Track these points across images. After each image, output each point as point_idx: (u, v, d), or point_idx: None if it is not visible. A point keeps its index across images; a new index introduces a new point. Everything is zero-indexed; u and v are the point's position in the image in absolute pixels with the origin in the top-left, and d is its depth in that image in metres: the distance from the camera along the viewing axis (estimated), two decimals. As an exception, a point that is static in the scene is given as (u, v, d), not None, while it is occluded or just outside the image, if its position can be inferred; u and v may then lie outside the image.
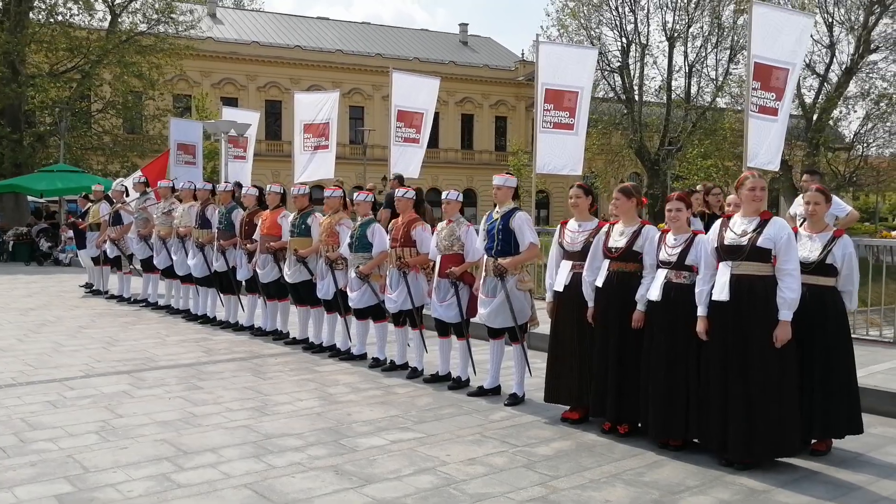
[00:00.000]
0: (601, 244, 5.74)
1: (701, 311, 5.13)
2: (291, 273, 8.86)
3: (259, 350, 8.84)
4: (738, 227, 5.04)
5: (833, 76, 42.85)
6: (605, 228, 5.82)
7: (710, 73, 45.54)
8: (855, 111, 43.33)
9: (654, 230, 5.60)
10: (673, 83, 45.54)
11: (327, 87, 47.54)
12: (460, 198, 7.30)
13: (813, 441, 5.27)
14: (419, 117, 14.97)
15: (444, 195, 7.26)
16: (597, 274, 5.73)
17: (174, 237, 11.20)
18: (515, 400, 6.52)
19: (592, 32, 45.18)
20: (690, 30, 44.48)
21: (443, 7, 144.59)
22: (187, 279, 11.21)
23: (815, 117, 42.32)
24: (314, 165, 16.31)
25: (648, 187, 46.66)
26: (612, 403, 5.57)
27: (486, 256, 6.68)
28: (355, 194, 8.21)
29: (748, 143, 9.94)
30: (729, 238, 5.04)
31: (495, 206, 6.75)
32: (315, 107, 16.72)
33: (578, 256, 5.91)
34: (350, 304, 8.09)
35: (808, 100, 42.90)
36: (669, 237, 5.39)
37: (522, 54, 57.04)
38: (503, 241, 6.52)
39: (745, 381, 4.94)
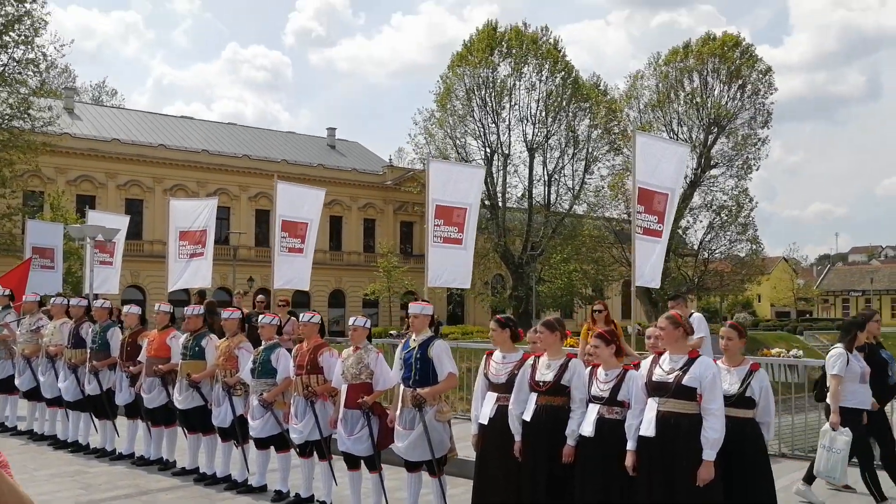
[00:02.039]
0: (527, 377, 5.75)
1: (630, 445, 5.20)
2: (183, 398, 8.32)
3: (146, 484, 8.14)
4: (667, 365, 5.19)
5: (679, 189, 46.46)
6: (530, 361, 5.85)
7: (568, 182, 48.17)
8: (700, 221, 46.73)
9: (581, 364, 5.68)
10: (534, 191, 47.77)
11: (191, 186, 46.60)
12: (368, 324, 7.15)
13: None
14: (304, 227, 14.76)
15: (350, 321, 7.11)
16: (524, 407, 5.71)
17: (42, 356, 10.33)
18: (436, 536, 6.29)
19: (458, 142, 47.03)
20: (549, 141, 47.12)
21: (307, 109, 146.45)
22: (54, 402, 10.32)
23: (664, 225, 45.28)
24: (189, 273, 15.70)
25: (513, 289, 48.06)
26: (544, 541, 5.47)
27: (402, 387, 6.53)
28: (260, 318, 7.89)
29: (635, 263, 10.43)
30: (657, 375, 5.17)
31: (411, 334, 6.66)
32: (192, 214, 16.18)
33: (503, 388, 5.88)
34: (252, 434, 7.65)
35: (658, 209, 46.02)
36: (601, 372, 5.47)
37: (390, 159, 58.32)
38: (421, 371, 6.40)
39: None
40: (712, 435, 4.97)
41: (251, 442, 7.91)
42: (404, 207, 55.49)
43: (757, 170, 47.20)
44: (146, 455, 9.07)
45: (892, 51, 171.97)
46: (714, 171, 46.98)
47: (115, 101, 63.24)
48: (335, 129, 59.83)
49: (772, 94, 47.17)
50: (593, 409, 5.38)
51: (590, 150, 47.63)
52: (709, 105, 46.19)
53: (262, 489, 7.76)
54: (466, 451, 6.83)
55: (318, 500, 7.23)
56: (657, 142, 11.47)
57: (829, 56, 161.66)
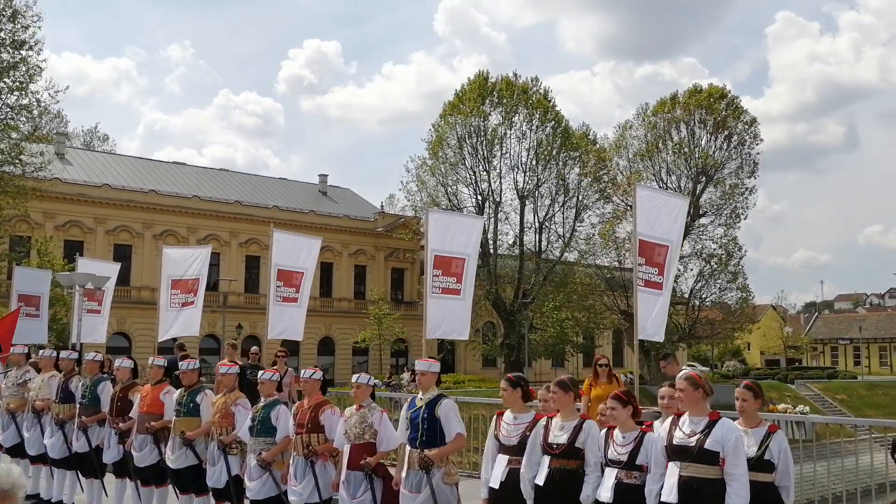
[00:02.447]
0: (540, 439, 5.54)
1: (651, 511, 4.98)
2: (175, 457, 8.01)
3: (134, 548, 7.80)
4: (687, 427, 5.00)
5: (679, 241, 46.58)
6: (542, 422, 5.64)
7: (559, 229, 48.27)
8: (690, 269, 46.77)
9: (596, 426, 5.48)
10: (525, 238, 47.82)
11: (182, 232, 46.37)
12: (371, 381, 6.93)
13: None
14: (299, 277, 14.58)
15: (354, 378, 6.88)
16: (536, 470, 5.49)
17: (28, 411, 10.00)
18: None
19: (450, 189, 47.16)
20: (539, 189, 47.34)
21: (297, 155, 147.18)
22: (38, 459, 9.95)
23: (655, 274, 45.35)
24: (180, 323, 15.45)
25: (505, 337, 47.74)
26: None
27: (408, 447, 6.30)
28: (259, 373, 7.64)
29: (637, 315, 10.28)
30: (678, 438, 4.97)
31: (417, 392, 6.45)
32: (185, 262, 15.95)
33: (515, 451, 5.66)
34: (248, 495, 7.35)
35: (649, 257, 46.09)
36: (617, 434, 5.27)
37: (381, 206, 58.37)
38: (428, 431, 6.17)
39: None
40: (737, 502, 4.77)
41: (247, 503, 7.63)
42: (395, 254, 55.40)
43: (745, 219, 47.51)
44: (135, 516, 8.73)
45: (868, 103, 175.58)
46: (703, 220, 47.22)
47: (107, 147, 63.33)
48: (327, 175, 60.04)
49: (757, 144, 47.74)
50: (611, 474, 5.17)
51: (580, 198, 47.89)
52: (696, 155, 46.63)
53: (258, 553, 7.42)
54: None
55: (317, 566, 6.90)
56: (657, 194, 11.45)
57: (809, 108, 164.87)
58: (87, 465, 9.23)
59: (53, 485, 9.75)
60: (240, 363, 12.51)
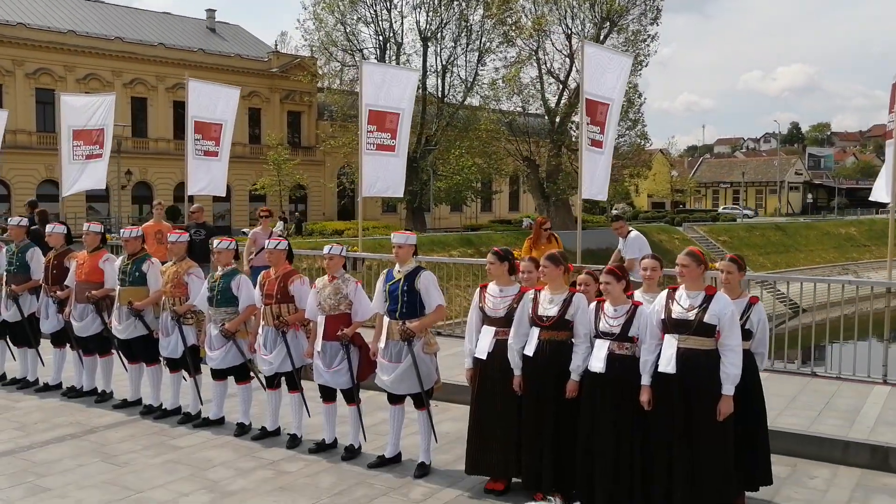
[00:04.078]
0: (528, 311, 5.58)
1: (645, 380, 5.17)
2: (124, 327, 7.70)
3: (87, 420, 7.57)
4: (685, 301, 5.11)
5: (573, 82, 46.49)
6: (530, 294, 5.65)
7: (461, 73, 47.43)
8: (592, 116, 47.18)
9: (585, 299, 5.54)
10: (427, 82, 46.77)
11: (58, 71, 42.98)
12: (344, 252, 6.73)
13: (734, 497, 5.52)
14: (218, 129, 13.93)
15: (326, 249, 6.65)
16: (524, 341, 5.57)
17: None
18: (424, 470, 6.15)
19: (349, 29, 45.14)
20: (442, 31, 45.96)
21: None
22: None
23: (557, 120, 45.73)
24: (87, 176, 14.61)
25: (407, 183, 47.60)
26: (550, 475, 5.44)
27: (386, 319, 6.24)
28: (215, 241, 7.28)
29: (582, 175, 10.34)
30: (676, 312, 5.09)
31: (395, 265, 6.32)
32: (86, 111, 14.84)
33: (502, 322, 5.69)
34: (211, 365, 7.20)
35: (552, 104, 46.19)
36: (608, 307, 5.35)
37: (275, 45, 55.45)
38: (408, 303, 6.11)
39: (691, 447, 5.05)
40: (732, 370, 5.00)
41: (202, 373, 7.52)
42: (292, 96, 53.36)
43: (646, 66, 47.94)
44: (77, 386, 8.45)
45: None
46: (605, 67, 47.32)
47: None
48: (214, 10, 56.06)
49: (660, -10, 47.47)
50: (602, 345, 5.28)
51: (483, 41, 46.84)
52: (601, 0, 46.00)
53: (220, 422, 7.39)
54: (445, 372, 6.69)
55: (287, 433, 6.94)
56: (603, 52, 11.28)
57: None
58: (20, 334, 8.78)
59: (-20, 354, 9.26)
60: (167, 224, 11.97)
